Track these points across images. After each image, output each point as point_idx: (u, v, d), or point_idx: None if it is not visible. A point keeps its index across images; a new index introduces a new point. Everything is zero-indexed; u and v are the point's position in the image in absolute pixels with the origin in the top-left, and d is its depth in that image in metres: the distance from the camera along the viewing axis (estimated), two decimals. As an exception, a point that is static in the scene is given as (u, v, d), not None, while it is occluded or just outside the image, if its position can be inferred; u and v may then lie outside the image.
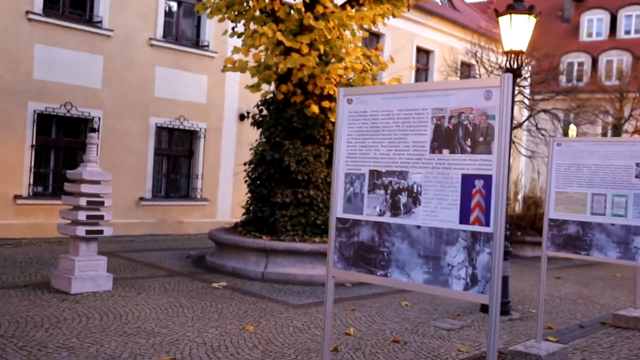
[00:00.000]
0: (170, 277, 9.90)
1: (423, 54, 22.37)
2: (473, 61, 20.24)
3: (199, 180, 15.76)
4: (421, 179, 3.89)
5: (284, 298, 8.87)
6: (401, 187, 3.99)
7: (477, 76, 20.66)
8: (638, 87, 23.91)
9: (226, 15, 10.66)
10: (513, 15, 8.83)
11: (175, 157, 15.78)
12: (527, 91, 22.97)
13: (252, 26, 10.80)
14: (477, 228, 3.62)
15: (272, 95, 11.44)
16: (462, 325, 7.99)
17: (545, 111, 18.56)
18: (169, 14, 15.23)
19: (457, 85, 3.78)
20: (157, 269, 10.60)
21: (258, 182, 11.42)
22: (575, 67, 35.37)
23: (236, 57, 10.99)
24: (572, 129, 20.68)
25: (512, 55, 9.00)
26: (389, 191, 4.05)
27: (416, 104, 3.94)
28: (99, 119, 13.77)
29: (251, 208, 11.54)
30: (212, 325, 7.10)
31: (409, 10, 11.87)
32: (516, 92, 18.34)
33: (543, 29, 38.56)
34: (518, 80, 19.12)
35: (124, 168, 14.16)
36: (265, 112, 11.58)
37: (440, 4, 23.24)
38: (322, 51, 10.18)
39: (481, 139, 3.63)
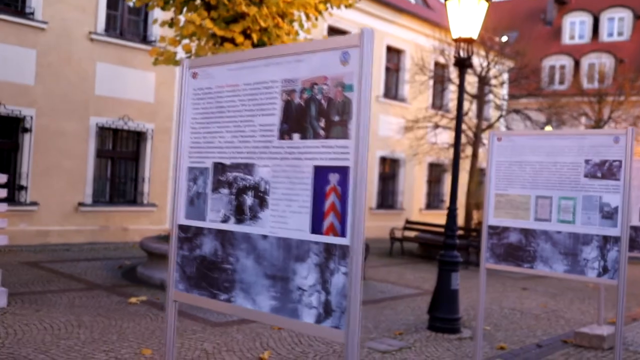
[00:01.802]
0: (87, 291, 8.89)
1: (394, 53, 21.44)
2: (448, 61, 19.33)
3: (146, 185, 14.72)
4: (269, 173, 2.93)
5: (206, 315, 7.87)
6: (247, 184, 3.02)
7: (451, 78, 19.77)
8: (618, 89, 23.10)
9: (155, 3, 9.68)
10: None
11: (120, 160, 14.73)
12: (504, 92, 22.13)
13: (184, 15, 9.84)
14: (331, 239, 2.66)
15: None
16: (402, 347, 7.04)
17: (516, 111, 17.67)
18: (112, 6, 14.21)
19: (310, 47, 2.82)
20: (76, 282, 9.57)
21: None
22: (557, 69, 34.61)
23: (174, 48, 10.03)
24: (549, 130, 19.72)
25: (462, 44, 8.07)
26: (234, 190, 3.09)
27: (264, 75, 2.98)
28: (32, 118, 12.72)
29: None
30: (103, 349, 6.10)
31: (359, -1, 10.89)
32: (486, 91, 17.47)
33: (525, 31, 37.94)
34: (492, 81, 18.32)
35: (60, 171, 13.13)
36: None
37: (413, 1, 22.34)
38: (255, 41, 9.22)
39: (336, 118, 2.67)
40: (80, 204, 13.56)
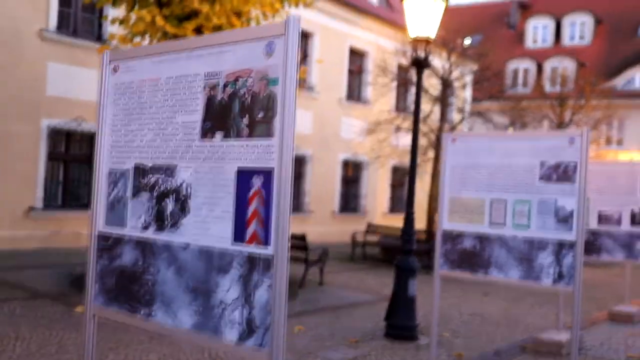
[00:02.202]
0: (30, 300, 8.49)
1: (357, 55, 21.28)
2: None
3: (101, 188, 14.27)
4: (190, 176, 2.67)
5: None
6: (168, 188, 2.76)
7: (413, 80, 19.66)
8: (579, 93, 23.29)
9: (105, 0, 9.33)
10: (418, -2, 7.72)
11: (74, 163, 14.27)
12: (467, 94, 22.11)
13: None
14: (254, 248, 2.41)
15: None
16: (356, 356, 6.81)
17: (478, 114, 17.63)
18: (64, 3, 13.75)
19: (234, 38, 2.57)
20: (20, 290, 9.15)
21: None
22: (521, 73, 34.87)
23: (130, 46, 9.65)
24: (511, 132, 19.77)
25: (419, 44, 7.89)
26: (154, 194, 2.82)
27: (187, 68, 2.73)
28: (-22, 119, 12.24)
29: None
30: (39, 363, 5.75)
31: (318, -2, 10.65)
32: (449, 93, 17.39)
33: (489, 34, 38.17)
34: (454, 83, 18.25)
35: (10, 175, 12.65)
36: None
37: (376, 4, 22.21)
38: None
39: (261, 114, 2.42)
40: (31, 208, 13.08)
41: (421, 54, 7.85)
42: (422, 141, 18.14)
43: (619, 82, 31.60)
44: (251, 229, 2.42)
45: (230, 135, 2.52)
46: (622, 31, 34.97)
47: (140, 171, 2.89)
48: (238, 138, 2.49)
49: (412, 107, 21.82)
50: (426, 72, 18.29)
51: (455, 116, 19.27)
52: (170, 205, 2.73)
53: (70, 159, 14.19)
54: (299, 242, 11.28)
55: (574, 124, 22.18)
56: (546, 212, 4.98)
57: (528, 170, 5.10)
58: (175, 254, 2.70)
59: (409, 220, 7.93)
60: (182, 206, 2.68)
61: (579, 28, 36.28)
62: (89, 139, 14.32)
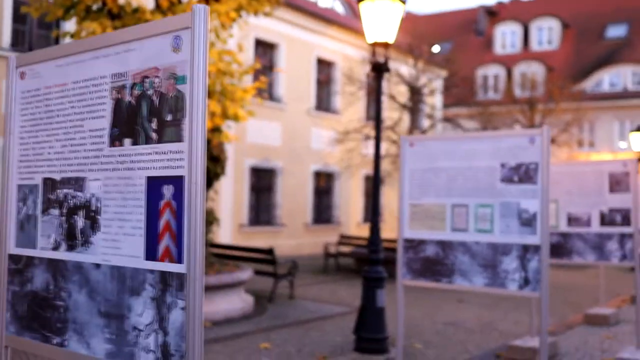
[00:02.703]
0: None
1: (324, 65, 21.11)
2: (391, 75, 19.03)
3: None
4: (100, 188, 2.40)
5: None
6: (78, 203, 2.49)
7: (386, 93, 19.52)
8: (548, 97, 23.35)
9: (55, 13, 9.01)
10: (376, 1, 7.53)
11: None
12: (437, 101, 22.04)
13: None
14: (167, 266, 2.15)
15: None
16: (323, 373, 6.54)
17: (447, 120, 17.53)
18: (18, 20, 13.36)
19: (139, 33, 2.32)
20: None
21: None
22: (491, 79, 35.00)
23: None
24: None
25: (377, 48, 7.69)
26: (64, 210, 2.54)
27: (93, 70, 2.47)
28: None
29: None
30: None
31: (274, 6, 10.43)
32: (417, 100, 17.26)
33: (458, 41, 38.30)
34: (423, 90, 18.16)
35: None
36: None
37: (342, 13, 22.09)
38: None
39: (169, 117, 2.17)
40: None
41: (380, 58, 7.65)
42: (393, 148, 17.99)
43: (588, 84, 31.83)
44: (163, 245, 2.16)
45: (138, 142, 2.26)
46: (589, 34, 35.29)
47: (49, 186, 2.61)
48: (147, 144, 2.23)
49: (383, 115, 21.81)
50: (394, 80, 18.23)
51: (425, 122, 19.16)
52: (80, 221, 2.46)
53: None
54: (266, 256, 11.00)
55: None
56: (509, 216, 4.78)
57: (489, 172, 4.89)
58: (87, 275, 2.43)
59: (375, 229, 7.70)
60: (92, 222, 2.41)
61: (547, 33, 36.56)
62: None
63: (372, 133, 17.99)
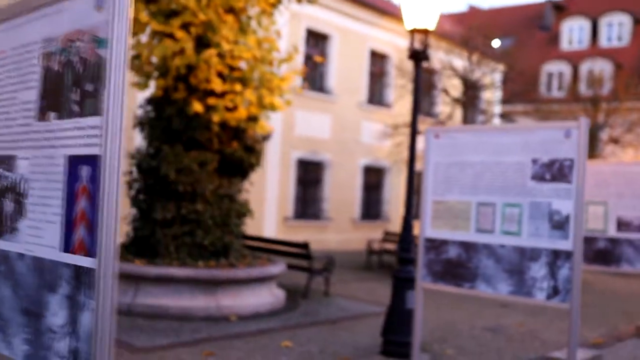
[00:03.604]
0: None
1: (378, 57, 20.64)
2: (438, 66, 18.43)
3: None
4: (27, 168, 2.11)
5: (132, 339, 7.04)
6: (7, 184, 2.21)
7: (439, 86, 18.96)
8: (614, 95, 22.24)
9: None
10: (415, -15, 7.10)
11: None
12: (495, 97, 21.29)
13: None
14: (80, 260, 1.84)
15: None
16: (342, 376, 6.19)
17: (502, 116, 16.85)
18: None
19: (68, -11, 2.01)
20: None
21: (140, 195, 9.62)
22: (555, 75, 33.76)
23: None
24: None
25: (417, 35, 7.26)
26: (-4, 193, 2.27)
27: (27, 35, 2.18)
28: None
29: (134, 226, 9.75)
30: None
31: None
32: (470, 94, 16.64)
33: (523, 37, 37.13)
34: (480, 85, 17.50)
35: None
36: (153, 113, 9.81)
37: (397, 3, 21.56)
38: (194, 35, 8.44)
39: (90, 87, 1.85)
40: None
41: (419, 45, 7.22)
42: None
43: (659, 83, 30.29)
44: (77, 235, 1.86)
45: (62, 116, 1.96)
46: (662, 31, 33.62)
47: (-15, 165, 2.35)
48: (69, 118, 1.93)
49: (434, 109, 21.27)
50: (447, 73, 17.62)
51: (480, 118, 18.50)
52: (8, 205, 2.18)
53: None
54: (301, 251, 10.69)
55: (608, 127, 21.17)
56: (539, 217, 4.31)
57: (518, 168, 4.42)
58: (12, 266, 2.15)
59: (407, 226, 7.28)
60: (19, 206, 2.13)
61: (617, 29, 34.99)
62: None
63: (423, 127, 17.48)
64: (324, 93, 19.00)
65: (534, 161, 4.36)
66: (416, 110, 7.33)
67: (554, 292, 4.22)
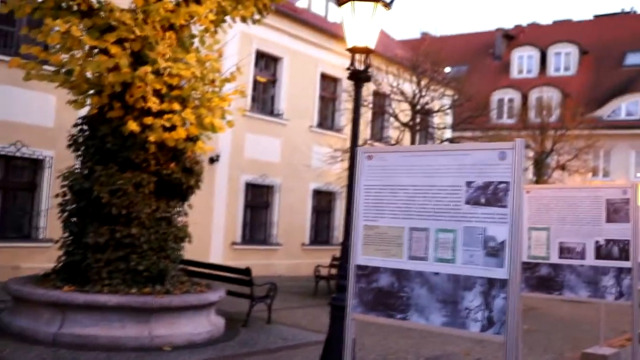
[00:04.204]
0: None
1: (329, 81, 20.53)
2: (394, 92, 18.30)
3: (42, 218, 13.31)
4: None
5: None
6: None
7: (392, 109, 18.89)
8: (562, 122, 22.56)
9: (23, 9, 8.49)
10: (356, 3, 6.92)
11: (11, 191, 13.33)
12: (446, 122, 21.34)
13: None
14: None
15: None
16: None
17: (451, 141, 16.83)
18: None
19: None
20: None
21: (72, 218, 9.16)
22: (506, 103, 34.24)
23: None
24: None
25: (357, 55, 7.07)
26: None
27: None
28: None
29: (65, 251, 9.26)
30: None
31: (264, 14, 9.87)
32: (418, 119, 16.57)
33: (475, 65, 37.66)
34: (431, 111, 17.49)
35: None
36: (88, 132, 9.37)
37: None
38: (129, 51, 8.11)
39: None
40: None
41: (359, 65, 7.02)
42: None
43: (605, 112, 30.97)
44: None
45: None
46: (608, 61, 34.46)
47: None
48: None
49: (385, 133, 21.18)
50: (398, 97, 17.57)
51: (429, 143, 18.48)
52: None
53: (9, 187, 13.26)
54: (242, 277, 10.32)
55: (555, 153, 21.40)
56: (473, 243, 4.07)
57: (453, 192, 4.19)
58: None
59: (346, 252, 7.00)
60: None
61: (564, 58, 35.78)
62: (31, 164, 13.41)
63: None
64: (274, 116, 18.76)
65: (468, 184, 4.14)
66: (356, 131, 7.11)
67: (489, 323, 3.97)
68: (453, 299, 4.13)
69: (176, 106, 8.58)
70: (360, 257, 4.58)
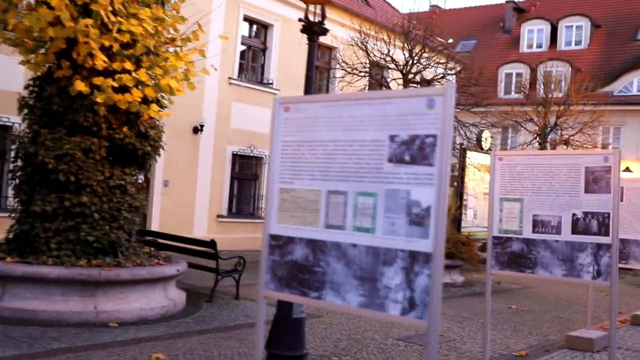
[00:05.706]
0: None
1: (324, 49, 19.75)
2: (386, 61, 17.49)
3: None
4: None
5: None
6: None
7: (387, 80, 18.12)
8: (565, 97, 21.66)
9: None
10: (310, -53, 6.20)
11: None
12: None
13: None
14: None
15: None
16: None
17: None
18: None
19: None
20: None
21: (23, 186, 8.58)
22: (514, 77, 33.25)
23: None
24: (486, 135, 18.06)
25: (311, 5, 6.37)
26: None
27: None
28: None
29: (16, 220, 8.71)
30: None
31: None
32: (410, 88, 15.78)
33: (484, 39, 36.64)
34: (417, 77, 16.66)
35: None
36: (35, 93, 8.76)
37: (350, -1, 20.71)
38: (73, 3, 7.47)
39: None
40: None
41: (313, 16, 6.32)
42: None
43: (616, 87, 29.90)
44: None
45: None
46: (620, 36, 33.27)
47: None
48: None
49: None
50: (388, 65, 16.77)
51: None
52: None
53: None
54: (207, 250, 9.72)
55: (558, 127, 20.55)
56: (396, 210, 3.40)
57: (374, 148, 3.52)
58: None
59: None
60: None
61: (575, 32, 34.62)
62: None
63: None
64: (264, 85, 18.05)
65: (392, 138, 3.45)
66: (309, 91, 6.43)
67: (410, 305, 3.32)
68: (372, 276, 3.48)
69: (128, 65, 7.93)
70: (275, 225, 3.93)
